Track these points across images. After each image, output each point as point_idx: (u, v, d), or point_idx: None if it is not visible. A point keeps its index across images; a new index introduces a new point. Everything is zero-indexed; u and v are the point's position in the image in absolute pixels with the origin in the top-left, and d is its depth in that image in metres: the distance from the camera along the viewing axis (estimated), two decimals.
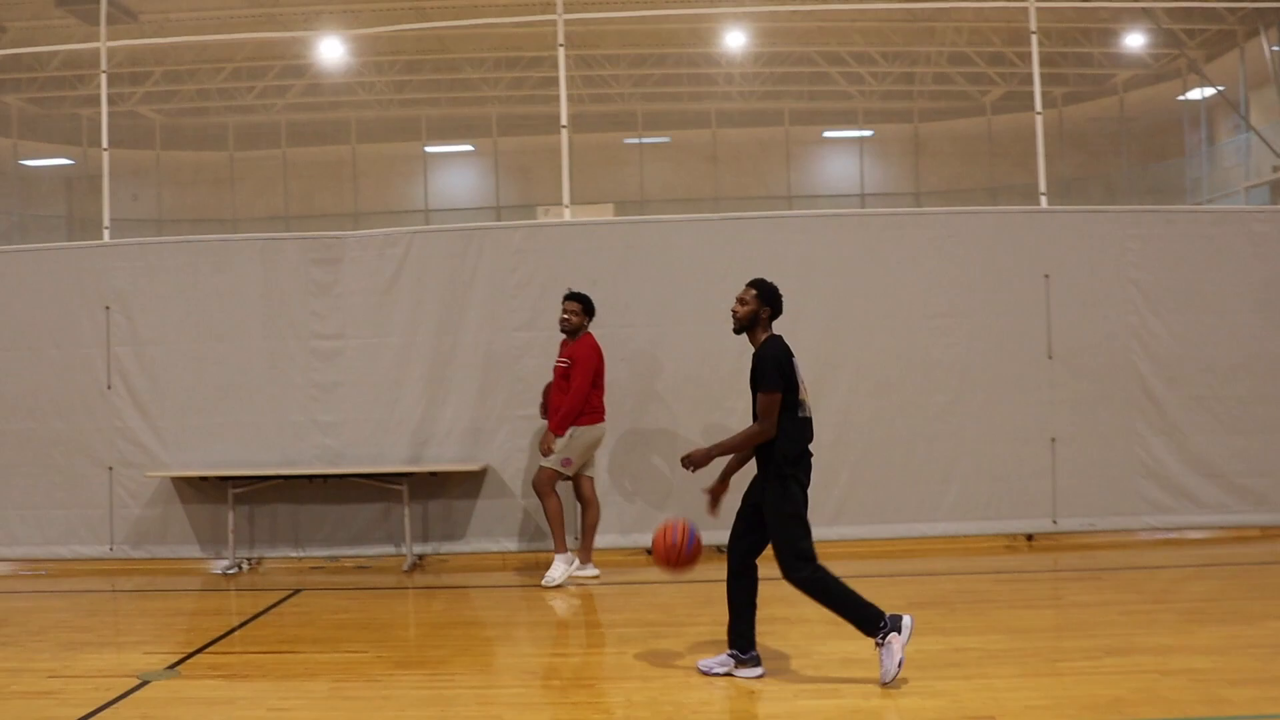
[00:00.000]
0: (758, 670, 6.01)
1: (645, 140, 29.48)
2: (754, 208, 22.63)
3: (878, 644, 5.73)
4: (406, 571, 9.47)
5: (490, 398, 9.81)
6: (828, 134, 30.61)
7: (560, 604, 8.40)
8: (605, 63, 26.27)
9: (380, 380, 9.96)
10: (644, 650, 6.65)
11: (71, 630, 7.70)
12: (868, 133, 30.33)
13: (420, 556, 9.84)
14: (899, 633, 5.71)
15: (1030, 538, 9.86)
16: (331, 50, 22.26)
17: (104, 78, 11.00)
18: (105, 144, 11.00)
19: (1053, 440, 9.81)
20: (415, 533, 9.73)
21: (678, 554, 6.03)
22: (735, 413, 9.67)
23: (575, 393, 8.79)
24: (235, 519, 9.78)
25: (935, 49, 25.45)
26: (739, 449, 6.07)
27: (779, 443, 5.89)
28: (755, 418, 5.96)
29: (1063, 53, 24.80)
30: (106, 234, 10.63)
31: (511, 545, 9.83)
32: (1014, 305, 9.90)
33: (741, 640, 6.04)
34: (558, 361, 9.06)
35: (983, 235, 10.06)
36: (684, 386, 9.80)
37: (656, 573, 6.69)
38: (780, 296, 6.18)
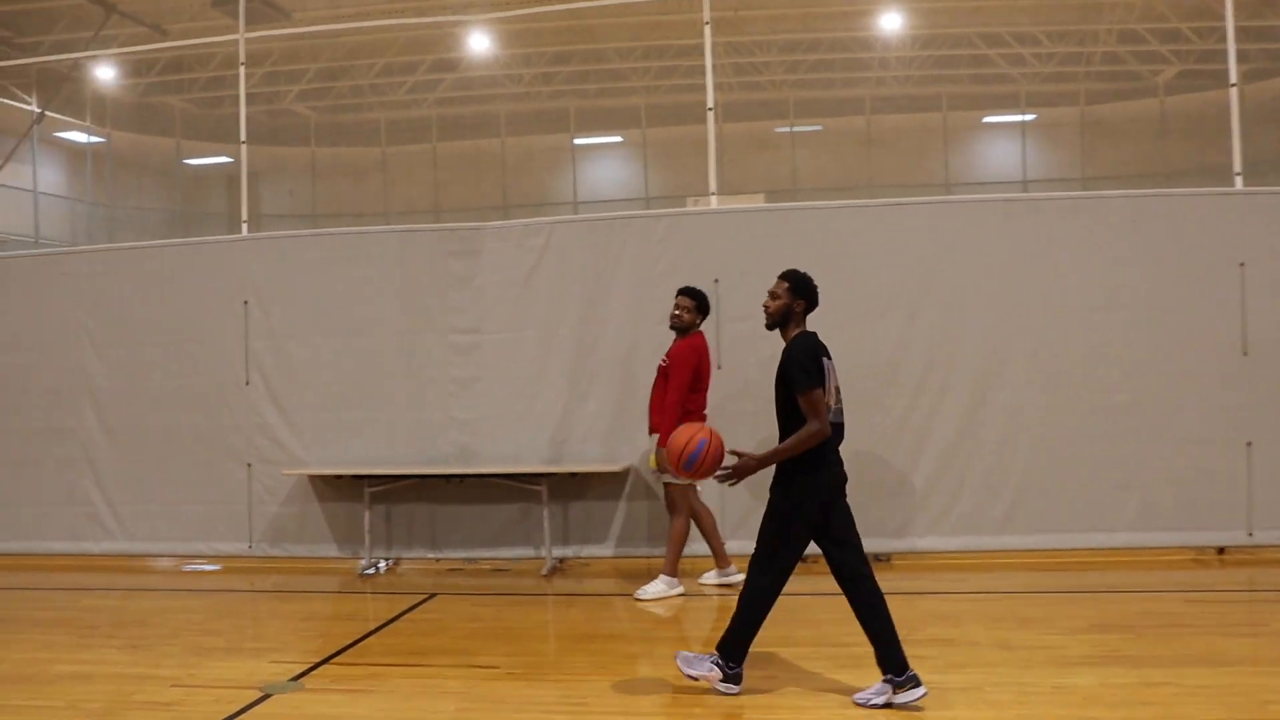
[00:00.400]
0: (918, 692, 5.38)
1: (797, 129, 28.71)
2: (910, 195, 21.75)
3: (714, 662, 5.67)
4: (545, 575, 9.07)
5: (633, 394, 9.34)
6: (988, 119, 29.37)
7: (711, 614, 7.88)
8: (755, 49, 25.59)
9: (519, 375, 9.59)
10: (794, 673, 6.08)
11: (203, 633, 7.48)
12: (1030, 117, 28.99)
13: (560, 560, 9.43)
14: (725, 680, 5.65)
15: (1221, 551, 8.95)
16: (480, 43, 22.10)
17: (241, 70, 10.87)
18: (243, 137, 10.88)
19: (1248, 444, 8.88)
20: (555, 535, 9.33)
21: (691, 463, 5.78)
22: (894, 411, 9.06)
23: (670, 396, 8.16)
24: (371, 518, 9.52)
25: (1104, 27, 24.11)
26: (792, 454, 5.53)
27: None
28: (780, 418, 5.64)
29: (1245, 27, 23.22)
30: (245, 228, 10.48)
31: (657, 550, 9.36)
32: (1204, 296, 8.99)
33: (888, 662, 5.44)
34: (661, 361, 8.49)
35: (1170, 220, 9.14)
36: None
37: (797, 584, 6.12)
38: (815, 288, 5.80)
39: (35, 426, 10.58)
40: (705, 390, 8.36)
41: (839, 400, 5.73)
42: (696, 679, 5.72)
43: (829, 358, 5.71)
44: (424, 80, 26.65)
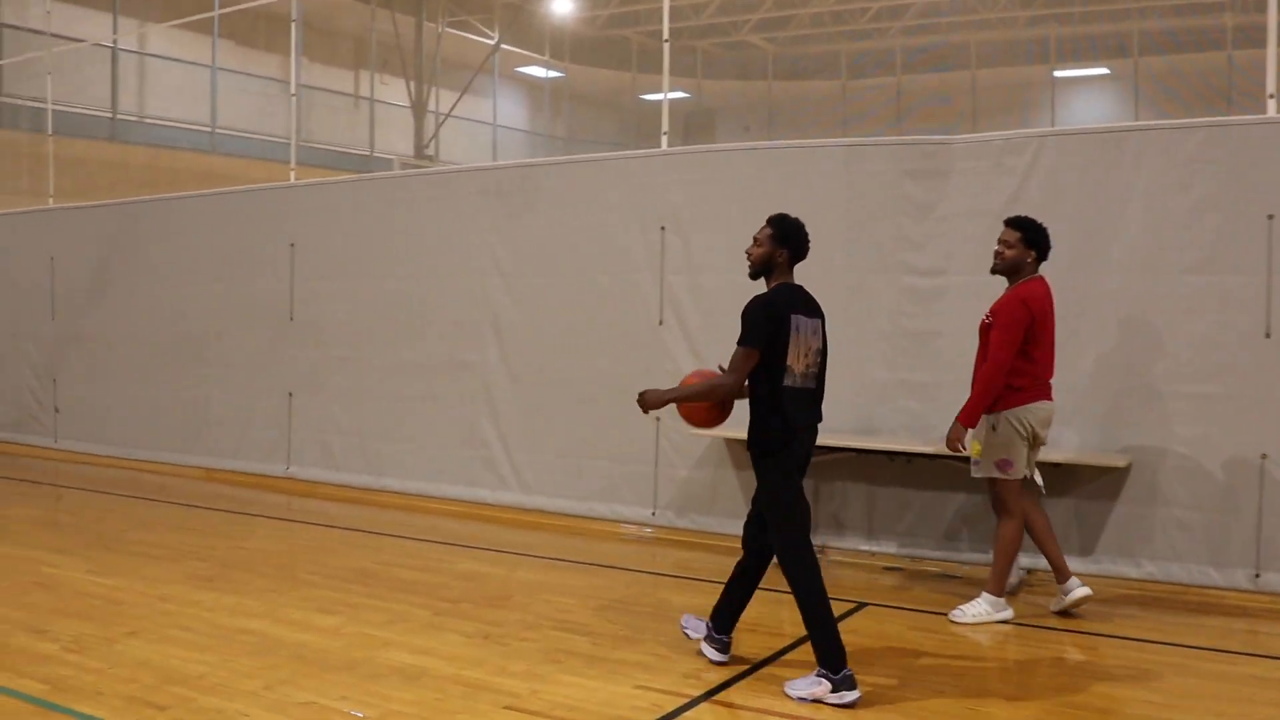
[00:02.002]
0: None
1: None
2: None
3: (819, 675, 4.91)
4: (1010, 591, 6.95)
5: (1143, 366, 7.04)
6: None
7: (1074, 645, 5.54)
8: None
9: None
10: None
11: (569, 630, 6.01)
12: None
13: (1028, 571, 7.29)
14: (835, 689, 4.85)
15: None
16: None
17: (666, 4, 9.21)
18: (665, 69, 9.31)
19: None
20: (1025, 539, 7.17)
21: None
22: None
23: (992, 363, 6.14)
24: None
25: None
26: (690, 399, 5.28)
27: (753, 416, 5.12)
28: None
29: None
30: (664, 140, 8.93)
31: (1178, 572, 7.03)
32: None
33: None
34: (984, 317, 6.33)
35: None
36: None
37: None
38: (803, 236, 5.26)
39: (437, 360, 9.66)
40: (1046, 357, 6.25)
41: (813, 365, 5.18)
42: (809, 699, 4.89)
43: (815, 316, 5.23)
44: (889, 6, 24.49)
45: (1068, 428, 7.23)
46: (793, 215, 5.30)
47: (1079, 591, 6.45)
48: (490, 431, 9.37)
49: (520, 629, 5.99)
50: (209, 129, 19.10)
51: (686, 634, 5.62)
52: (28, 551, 7.89)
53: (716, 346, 8.14)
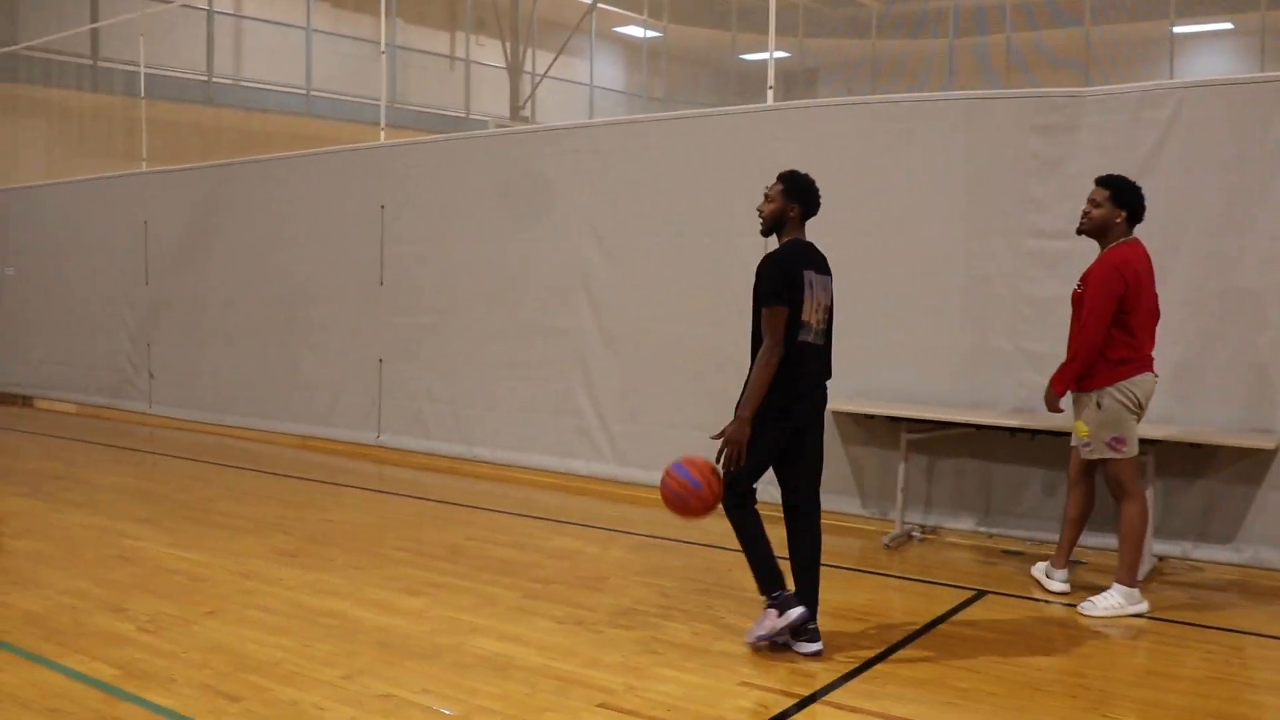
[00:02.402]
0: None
1: None
2: None
3: (765, 605, 5.02)
4: (1143, 579, 6.41)
5: None
6: None
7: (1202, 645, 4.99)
8: None
9: None
10: None
11: (669, 612, 5.63)
12: None
13: (1160, 559, 6.74)
14: (780, 614, 4.94)
15: None
16: None
17: None
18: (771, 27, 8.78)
19: None
20: (1156, 523, 6.62)
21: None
22: None
23: (1084, 333, 5.73)
24: (907, 473, 7.29)
25: None
26: (763, 389, 4.94)
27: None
28: (751, 340, 5.12)
29: None
30: (770, 95, 8.42)
31: None
32: None
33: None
34: (1076, 286, 5.91)
35: None
36: None
37: None
38: (814, 192, 5.22)
39: (530, 325, 9.32)
40: (1147, 327, 5.77)
41: (824, 321, 5.17)
42: (765, 638, 5.02)
43: (825, 273, 5.21)
44: None
45: (1203, 405, 6.65)
46: (803, 172, 5.27)
47: (1058, 586, 6.20)
48: (584, 400, 9.01)
49: (615, 615, 5.62)
50: (303, 91, 18.96)
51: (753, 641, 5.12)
52: (113, 522, 7.72)
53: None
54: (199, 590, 5.99)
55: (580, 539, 7.39)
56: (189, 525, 7.61)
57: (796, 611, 4.92)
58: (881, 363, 7.57)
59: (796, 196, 5.17)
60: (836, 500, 7.72)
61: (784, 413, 5.02)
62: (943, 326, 7.42)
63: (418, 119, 20.27)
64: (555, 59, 23.51)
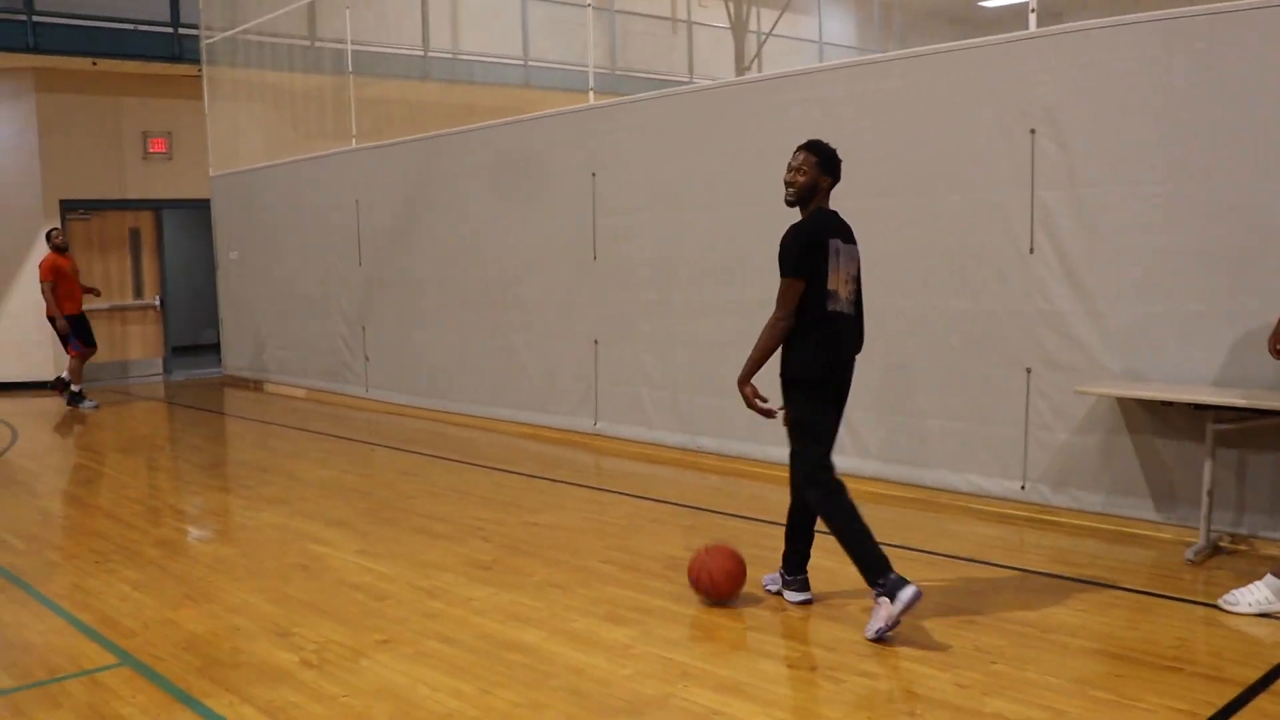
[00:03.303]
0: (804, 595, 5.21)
1: None
2: None
3: (875, 596, 4.75)
4: None
5: None
6: None
7: None
8: None
9: None
10: None
11: (923, 661, 4.54)
12: None
13: None
14: (892, 600, 4.63)
15: None
16: None
17: None
18: None
19: None
20: None
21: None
22: None
23: None
24: (1214, 471, 5.94)
25: None
26: (767, 353, 4.99)
27: (791, 346, 4.98)
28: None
29: None
30: (1032, 20, 7.07)
31: None
32: None
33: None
34: None
35: None
36: None
37: None
38: (839, 161, 5.13)
39: (755, 300, 8.23)
40: None
41: (853, 291, 5.10)
42: (885, 630, 4.66)
43: (851, 241, 5.12)
44: None
45: None
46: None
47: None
48: None
49: (856, 657, 4.56)
50: (520, 62, 18.38)
51: (768, 590, 5.43)
52: (304, 524, 7.13)
53: (1108, 278, 6.45)
54: (377, 613, 5.25)
55: (816, 548, 6.33)
56: (383, 528, 6.94)
57: (909, 591, 4.64)
58: (1183, 338, 6.22)
59: (828, 168, 5.11)
60: (1119, 503, 6.46)
61: (827, 381, 5.05)
62: (1255, 296, 6.01)
63: (641, 86, 19.44)
64: (780, 15, 22.33)
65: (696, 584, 5.25)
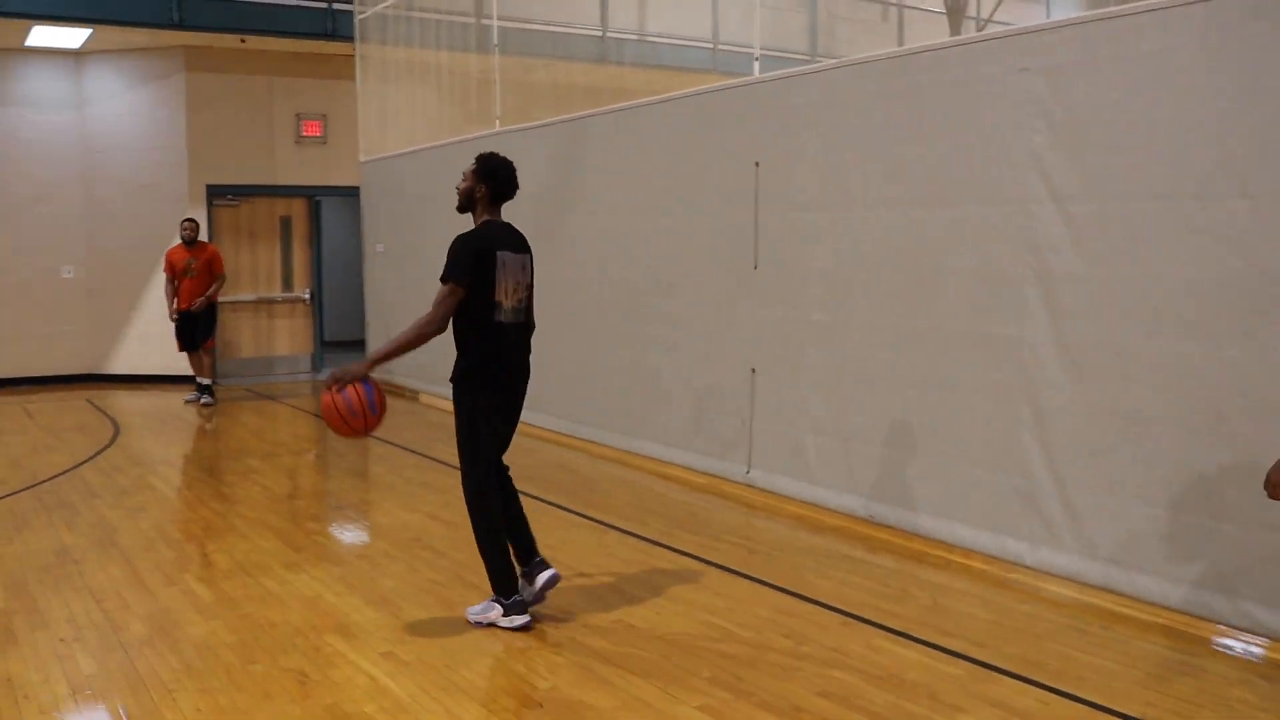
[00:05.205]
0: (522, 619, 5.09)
1: None
2: None
3: (492, 600, 5.12)
4: None
5: None
6: None
7: None
8: None
9: None
10: None
11: None
12: None
13: None
14: (506, 613, 5.06)
15: None
16: None
17: None
18: None
19: None
20: None
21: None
22: None
23: None
24: None
25: None
26: (403, 351, 5.03)
27: (460, 353, 5.15)
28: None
29: None
30: None
31: None
32: None
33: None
34: None
35: None
36: None
37: None
38: (506, 175, 5.26)
39: (958, 330, 6.33)
40: None
41: (522, 300, 5.26)
42: (484, 624, 5.09)
43: (522, 251, 5.29)
44: None
45: None
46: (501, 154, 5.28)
47: None
48: (1033, 450, 5.89)
49: None
50: (709, 45, 16.68)
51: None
52: (338, 598, 5.55)
53: None
54: None
55: (1023, 694, 4.37)
56: (434, 612, 5.30)
57: (520, 621, 5.01)
58: None
59: (486, 178, 5.21)
60: None
61: (497, 385, 5.15)
62: None
63: None
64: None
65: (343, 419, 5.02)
